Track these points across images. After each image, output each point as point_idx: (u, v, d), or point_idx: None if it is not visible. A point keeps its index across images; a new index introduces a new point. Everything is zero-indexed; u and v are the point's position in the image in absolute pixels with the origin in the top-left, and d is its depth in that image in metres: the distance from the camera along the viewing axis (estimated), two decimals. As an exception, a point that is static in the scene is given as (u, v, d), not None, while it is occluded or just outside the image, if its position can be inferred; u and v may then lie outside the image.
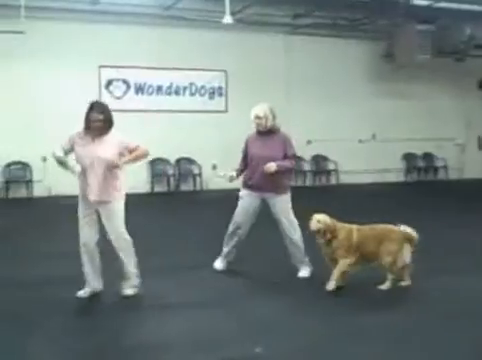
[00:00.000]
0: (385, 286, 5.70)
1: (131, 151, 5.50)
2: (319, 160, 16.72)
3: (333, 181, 16.85)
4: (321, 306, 5.35)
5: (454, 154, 18.12)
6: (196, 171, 15.20)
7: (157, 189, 14.99)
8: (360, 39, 16.53)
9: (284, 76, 16.01)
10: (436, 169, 18.09)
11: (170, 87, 15.24)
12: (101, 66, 14.35)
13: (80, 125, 5.50)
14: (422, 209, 11.42)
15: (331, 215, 5.82)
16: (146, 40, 14.34)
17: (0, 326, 4.85)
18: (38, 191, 13.74)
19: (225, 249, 6.53)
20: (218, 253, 6.61)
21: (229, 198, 6.98)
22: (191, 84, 15.41)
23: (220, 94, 15.69)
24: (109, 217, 5.50)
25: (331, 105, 16.27)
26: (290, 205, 6.30)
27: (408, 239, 5.67)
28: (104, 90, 14.51)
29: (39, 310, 5.26)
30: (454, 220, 10.05)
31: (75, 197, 5.63)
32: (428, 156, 17.97)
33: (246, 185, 6.36)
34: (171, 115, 14.95)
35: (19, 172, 13.83)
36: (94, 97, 13.88)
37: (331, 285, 5.57)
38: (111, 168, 5.38)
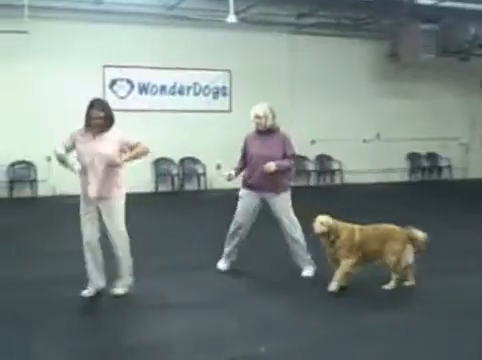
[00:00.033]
0: (389, 286, 5.70)
1: (132, 148, 5.51)
2: (323, 160, 16.70)
3: (337, 181, 16.83)
4: (324, 306, 5.35)
5: (458, 154, 18.08)
6: (200, 171, 15.20)
7: (161, 189, 14.99)
8: (364, 39, 16.50)
9: (288, 76, 16.00)
10: (440, 169, 18.04)
11: (174, 87, 15.24)
12: (105, 66, 14.36)
13: (84, 124, 5.52)
14: (426, 209, 11.40)
15: (335, 215, 5.81)
16: (150, 40, 14.35)
17: (3, 325, 4.86)
18: (42, 191, 13.76)
19: (227, 249, 6.54)
20: (221, 253, 6.61)
21: (233, 198, 6.95)
22: (195, 84, 15.41)
23: (224, 94, 15.69)
24: (109, 214, 5.52)
25: (335, 105, 16.25)
26: (290, 204, 6.31)
27: (411, 239, 5.66)
28: (108, 90, 14.52)
29: (42, 310, 5.27)
30: (458, 220, 10.03)
31: (79, 196, 5.64)
32: (432, 156, 17.93)
33: (245, 184, 6.37)
34: (175, 115, 14.96)
35: (23, 171, 13.85)
36: (98, 97, 13.96)
37: (333, 286, 5.56)
38: (112, 166, 5.39)
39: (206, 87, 15.52)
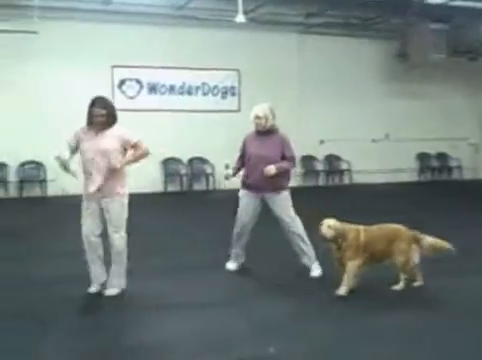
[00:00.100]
0: (399, 286, 5.67)
1: (132, 146, 5.52)
2: (332, 160, 16.66)
3: (346, 181, 16.78)
4: (333, 307, 5.31)
5: (468, 154, 17.99)
6: (209, 171, 15.20)
7: (170, 189, 15.00)
8: (373, 38, 16.45)
9: (297, 75, 15.97)
10: (450, 169, 17.96)
11: (183, 87, 15.25)
12: (114, 66, 14.38)
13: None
14: (436, 209, 11.35)
15: (341, 216, 5.78)
16: (159, 40, 14.36)
17: (5, 324, 4.87)
18: (52, 190, 13.80)
19: (234, 250, 6.54)
20: (228, 253, 6.60)
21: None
22: (204, 84, 15.41)
23: (233, 94, 15.68)
24: (110, 211, 5.51)
25: (344, 105, 16.21)
26: (290, 203, 6.31)
27: (416, 240, 5.62)
28: (117, 90, 14.55)
29: (46, 309, 5.28)
30: (469, 220, 9.97)
31: (88, 197, 5.66)
32: (442, 156, 17.86)
33: (244, 185, 6.38)
34: (184, 115, 14.96)
35: (33, 171, 13.90)
36: (107, 97, 14.00)
37: (343, 290, 5.52)
38: (111, 170, 5.40)
39: (215, 87, 15.52)
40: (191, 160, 15.24)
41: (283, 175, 6.25)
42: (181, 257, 7.29)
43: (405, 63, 16.25)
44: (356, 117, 16.37)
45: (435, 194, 14.87)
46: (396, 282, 5.69)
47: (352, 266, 5.51)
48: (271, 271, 6.62)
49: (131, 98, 14.67)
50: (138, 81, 14.79)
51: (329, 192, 15.58)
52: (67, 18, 13.34)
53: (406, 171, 17.25)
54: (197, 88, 15.37)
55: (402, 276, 5.67)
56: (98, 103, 5.46)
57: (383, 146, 16.85)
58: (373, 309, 5.25)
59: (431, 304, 5.40)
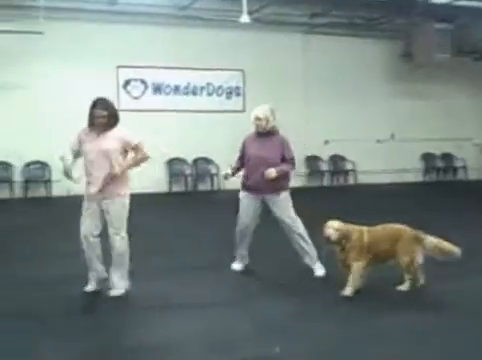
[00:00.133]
0: (404, 287, 5.65)
1: (132, 148, 5.52)
2: (337, 160, 16.66)
3: (351, 181, 16.78)
4: (338, 308, 5.29)
5: (473, 154, 17.95)
6: (213, 171, 15.21)
7: (175, 189, 15.02)
8: (377, 38, 16.45)
9: (302, 76, 15.97)
10: (455, 169, 17.94)
11: (187, 87, 15.27)
12: (119, 66, 14.41)
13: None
14: (441, 209, 11.32)
15: (349, 215, 5.77)
16: (163, 40, 14.39)
17: (7, 324, 4.87)
18: (57, 191, 13.82)
19: (239, 251, 6.54)
20: (232, 253, 6.60)
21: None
22: (208, 84, 15.43)
23: (237, 94, 15.69)
24: (110, 212, 5.52)
25: (349, 105, 16.20)
26: (290, 203, 6.30)
27: (419, 240, 5.60)
28: (122, 90, 14.58)
29: (50, 309, 5.28)
30: (473, 220, 9.93)
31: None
32: (447, 156, 17.83)
33: (244, 186, 6.39)
34: (189, 115, 14.98)
35: (38, 172, 13.94)
36: (112, 97, 13.94)
37: (348, 291, 5.50)
38: (111, 175, 5.41)
39: (219, 87, 15.54)
40: (196, 160, 15.26)
41: (283, 177, 6.25)
42: (185, 257, 7.28)
43: (410, 63, 16.23)
44: (361, 117, 16.36)
45: (440, 194, 14.84)
46: (401, 282, 5.67)
47: (357, 267, 5.49)
48: (274, 271, 6.61)
49: (136, 98, 14.70)
50: (143, 81, 14.82)
51: (334, 192, 15.57)
52: (72, 18, 13.39)
53: (411, 171, 17.23)
54: (202, 88, 15.39)
55: (407, 276, 5.66)
56: (99, 104, 5.48)
57: (388, 146, 16.84)
58: (378, 310, 5.24)
59: (436, 305, 5.38)
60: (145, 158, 5.59)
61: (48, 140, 13.19)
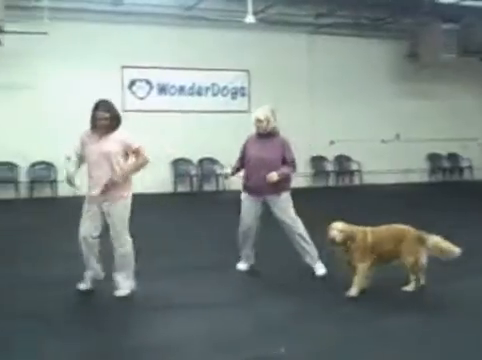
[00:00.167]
0: (410, 287, 5.63)
1: (133, 152, 5.53)
2: (342, 160, 16.63)
3: (356, 181, 16.75)
4: (341, 308, 5.28)
5: (479, 154, 17.90)
6: (219, 171, 15.20)
7: (180, 189, 15.03)
8: (383, 39, 16.42)
9: (307, 76, 15.96)
10: (461, 169, 17.89)
11: (193, 87, 15.28)
12: (124, 66, 14.43)
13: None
14: (447, 209, 11.29)
15: (354, 216, 5.75)
16: (169, 40, 14.39)
17: (14, 325, 4.88)
18: (62, 191, 13.83)
19: (243, 251, 6.55)
20: (236, 253, 6.60)
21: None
22: (213, 84, 15.43)
23: (243, 94, 15.68)
24: (111, 214, 5.52)
25: (354, 105, 16.18)
26: (291, 203, 6.30)
27: (422, 240, 5.58)
28: (127, 90, 14.60)
29: (55, 309, 5.30)
30: (478, 220, 9.90)
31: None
32: (453, 156, 17.78)
33: (245, 188, 6.39)
34: (194, 115, 14.99)
35: (43, 172, 13.98)
36: (117, 97, 14.07)
37: (354, 291, 5.49)
38: (112, 182, 5.42)
39: (224, 87, 15.54)
40: (201, 161, 15.26)
41: (284, 179, 6.26)
42: (188, 257, 7.28)
43: (415, 63, 16.20)
44: (366, 117, 16.33)
45: (446, 195, 14.80)
46: (406, 283, 5.65)
47: (362, 267, 5.49)
48: (277, 271, 6.60)
49: (141, 99, 14.72)
50: (148, 82, 14.83)
51: (339, 193, 15.55)
52: (77, 19, 13.41)
53: (416, 172, 17.19)
54: (207, 89, 15.40)
55: (412, 277, 5.64)
56: (101, 106, 5.49)
57: (393, 146, 16.81)
58: (380, 310, 5.22)
59: (437, 305, 5.36)
60: (145, 162, 5.59)
61: (53, 140, 13.22)
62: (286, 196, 6.28)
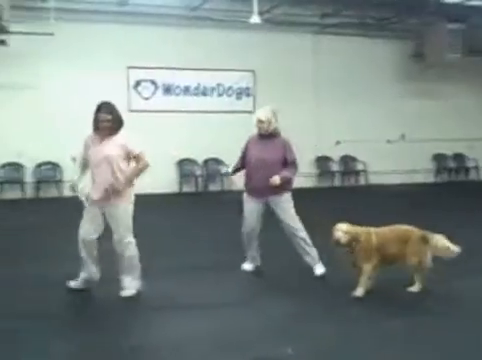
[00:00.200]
0: (415, 288, 5.62)
1: (133, 157, 5.55)
2: (348, 160, 16.62)
3: (362, 182, 16.73)
4: (346, 309, 5.27)
5: (485, 154, 17.87)
6: (224, 170, 15.20)
7: (185, 189, 15.04)
8: (388, 39, 16.40)
9: (312, 76, 15.95)
10: (467, 170, 17.85)
11: (198, 88, 15.29)
12: (129, 67, 14.45)
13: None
14: (453, 210, 11.26)
15: (360, 216, 5.74)
16: (174, 41, 14.41)
17: (21, 325, 4.89)
18: (68, 191, 13.84)
19: (249, 252, 6.56)
20: (241, 254, 6.60)
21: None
22: (219, 85, 15.44)
23: (248, 94, 15.68)
24: (113, 217, 5.53)
25: (359, 105, 16.16)
26: (292, 204, 6.32)
27: (426, 240, 5.57)
28: (132, 90, 14.62)
29: (61, 309, 5.34)
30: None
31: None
32: (459, 157, 17.74)
33: (246, 189, 6.41)
34: (199, 116, 14.99)
35: (49, 172, 14.02)
36: (123, 98, 14.11)
37: (359, 291, 5.49)
38: (114, 191, 5.42)
39: (230, 88, 15.55)
40: (206, 161, 15.26)
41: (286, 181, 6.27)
42: (193, 258, 7.28)
43: (421, 63, 16.17)
44: (371, 118, 16.31)
45: (452, 195, 14.76)
46: (411, 284, 5.64)
47: (367, 268, 5.49)
48: (282, 272, 6.60)
49: (146, 99, 14.73)
50: (153, 82, 14.85)
51: (345, 193, 15.53)
52: (83, 20, 13.44)
53: (421, 172, 17.16)
54: (212, 89, 15.40)
55: (417, 277, 5.63)
56: (104, 108, 5.52)
57: (399, 147, 16.78)
58: (387, 311, 5.22)
59: (437, 305, 5.35)
60: (146, 167, 5.61)
61: (59, 141, 13.26)
62: (287, 196, 6.30)
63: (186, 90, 15.17)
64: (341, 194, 15.22)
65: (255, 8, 12.10)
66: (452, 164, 17.83)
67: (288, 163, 6.25)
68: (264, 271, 6.57)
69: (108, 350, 4.41)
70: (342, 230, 5.50)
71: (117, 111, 5.57)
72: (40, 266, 6.91)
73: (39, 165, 13.94)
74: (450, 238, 5.55)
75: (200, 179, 15.28)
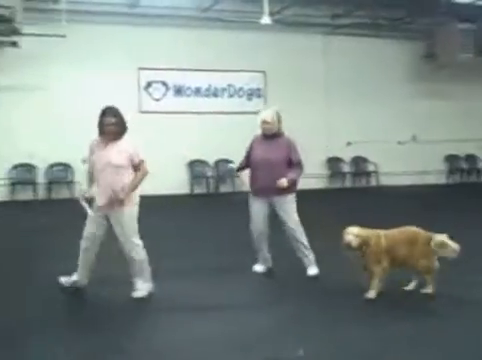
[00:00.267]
0: (428, 289, 5.59)
1: (135, 166, 5.55)
2: (359, 161, 16.58)
3: (373, 183, 16.69)
4: (356, 311, 5.25)
5: (498, 155, 17.77)
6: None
7: (197, 191, 15.05)
8: (399, 39, 16.35)
9: (323, 77, 15.93)
10: (479, 171, 17.76)
11: (209, 89, 15.31)
12: (140, 68, 14.50)
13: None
14: (464, 211, 11.20)
15: (371, 217, 5.72)
16: (184, 42, 14.44)
17: (27, 325, 4.91)
18: (78, 193, 13.91)
19: (260, 254, 6.56)
20: (251, 255, 6.60)
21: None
22: (229, 85, 15.46)
23: (258, 95, 15.69)
24: (118, 222, 5.54)
25: (370, 106, 16.13)
26: (295, 205, 6.32)
27: (430, 242, 5.54)
28: (143, 92, 14.65)
29: (73, 310, 5.36)
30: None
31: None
32: (471, 158, 17.65)
33: (252, 189, 6.41)
34: (210, 117, 15.01)
35: (61, 173, 14.10)
36: (134, 99, 14.17)
37: (372, 293, 5.47)
38: (117, 202, 5.45)
39: (240, 89, 15.56)
40: (217, 162, 15.27)
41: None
42: (204, 259, 7.27)
43: (432, 63, 16.12)
44: (382, 118, 16.27)
45: (463, 196, 14.68)
46: (422, 286, 5.62)
47: (378, 271, 5.47)
48: (293, 273, 6.58)
49: (157, 100, 14.76)
50: (164, 83, 14.89)
51: (356, 194, 15.49)
52: (94, 21, 13.51)
53: (432, 173, 17.08)
54: (223, 90, 15.42)
55: (428, 279, 5.60)
56: (108, 112, 5.54)
57: (410, 148, 16.71)
58: (398, 313, 5.20)
59: (446, 308, 5.31)
60: (145, 175, 5.62)
61: (71, 142, 13.29)
62: (291, 198, 6.30)
63: (197, 91, 15.20)
64: (352, 195, 15.19)
65: (266, 9, 12.11)
66: (464, 165, 17.74)
67: (293, 164, 6.25)
68: (277, 272, 6.57)
69: (115, 352, 4.41)
70: (353, 233, 5.47)
71: (121, 115, 5.59)
72: (52, 266, 6.92)
73: (51, 166, 14.01)
74: (460, 240, 5.52)
75: (211, 180, 15.29)
